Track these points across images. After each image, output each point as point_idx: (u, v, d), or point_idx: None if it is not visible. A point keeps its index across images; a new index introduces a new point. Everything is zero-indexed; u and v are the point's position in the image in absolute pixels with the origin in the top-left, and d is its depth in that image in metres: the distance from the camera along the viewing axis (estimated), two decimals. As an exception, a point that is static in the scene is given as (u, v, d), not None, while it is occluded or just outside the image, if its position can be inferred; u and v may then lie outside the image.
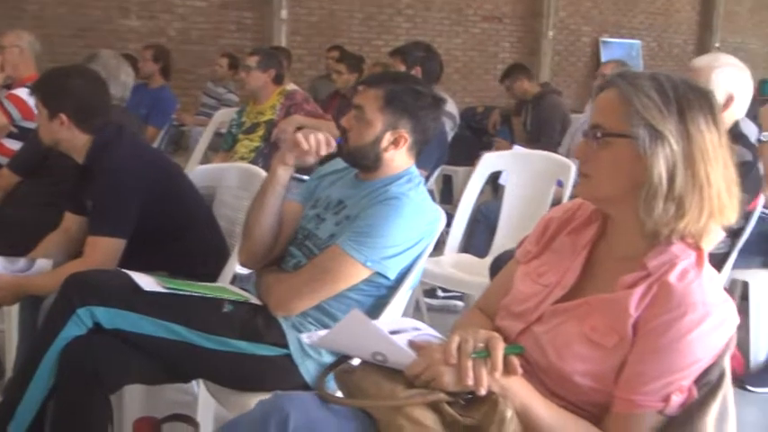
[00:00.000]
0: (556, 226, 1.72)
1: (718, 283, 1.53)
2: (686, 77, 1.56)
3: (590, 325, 1.52)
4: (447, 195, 6.03)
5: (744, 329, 3.94)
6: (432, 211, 2.34)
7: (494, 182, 4.58)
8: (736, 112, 3.08)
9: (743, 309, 3.94)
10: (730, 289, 4.35)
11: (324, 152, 2.35)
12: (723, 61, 3.12)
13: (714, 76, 3.04)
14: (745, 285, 3.92)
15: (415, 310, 3.85)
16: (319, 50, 8.95)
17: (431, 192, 5.65)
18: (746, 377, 3.71)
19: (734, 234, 3.07)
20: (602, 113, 1.53)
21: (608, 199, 1.56)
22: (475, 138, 6.27)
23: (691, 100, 1.48)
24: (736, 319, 1.50)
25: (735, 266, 3.58)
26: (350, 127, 2.34)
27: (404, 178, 2.34)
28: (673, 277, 1.47)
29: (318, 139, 2.34)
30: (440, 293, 4.40)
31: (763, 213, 3.88)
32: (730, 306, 1.50)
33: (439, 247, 3.83)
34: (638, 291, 1.48)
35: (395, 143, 2.32)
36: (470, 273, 3.49)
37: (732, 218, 1.53)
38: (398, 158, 2.35)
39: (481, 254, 3.82)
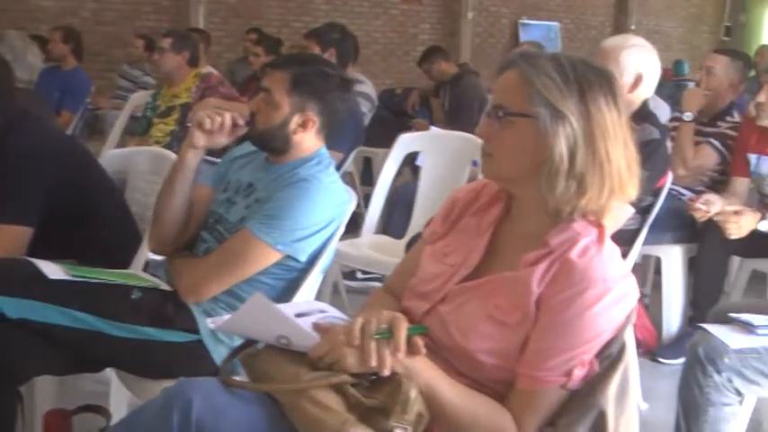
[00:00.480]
0: (461, 206, 1.72)
1: (619, 258, 1.55)
2: (586, 58, 1.58)
3: (493, 303, 1.53)
4: (367, 177, 6.02)
5: (657, 303, 4.05)
6: (342, 192, 2.33)
7: (413, 163, 4.59)
8: (645, 92, 3.13)
9: (657, 283, 4.05)
10: (645, 264, 4.47)
11: (228, 133, 2.32)
12: (632, 42, 3.17)
13: (623, 56, 3.08)
14: (659, 260, 4.02)
15: (334, 293, 3.84)
16: (237, 32, 8.82)
17: (350, 174, 5.66)
18: (659, 350, 3.81)
19: (644, 211, 3.13)
20: (503, 93, 1.54)
21: (511, 178, 1.57)
22: (394, 119, 6.27)
23: (591, 80, 1.50)
24: (636, 294, 1.52)
25: (647, 242, 3.66)
26: (258, 110, 2.31)
27: (314, 161, 2.32)
28: (574, 254, 1.49)
29: (224, 119, 2.30)
30: (359, 275, 4.40)
31: (674, 190, 3.99)
32: (631, 281, 1.52)
33: (358, 229, 3.85)
34: (541, 268, 1.50)
35: (303, 126, 2.30)
36: (387, 254, 3.49)
37: (633, 195, 1.56)
38: (308, 141, 2.33)
39: (399, 235, 3.82)
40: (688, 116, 4.03)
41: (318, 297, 3.53)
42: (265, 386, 1.53)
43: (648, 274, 4.52)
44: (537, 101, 1.47)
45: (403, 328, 1.43)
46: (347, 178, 5.64)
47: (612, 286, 1.47)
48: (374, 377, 1.45)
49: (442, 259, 1.66)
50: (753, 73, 7.77)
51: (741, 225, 3.40)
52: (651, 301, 4.39)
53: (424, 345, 1.48)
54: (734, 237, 3.41)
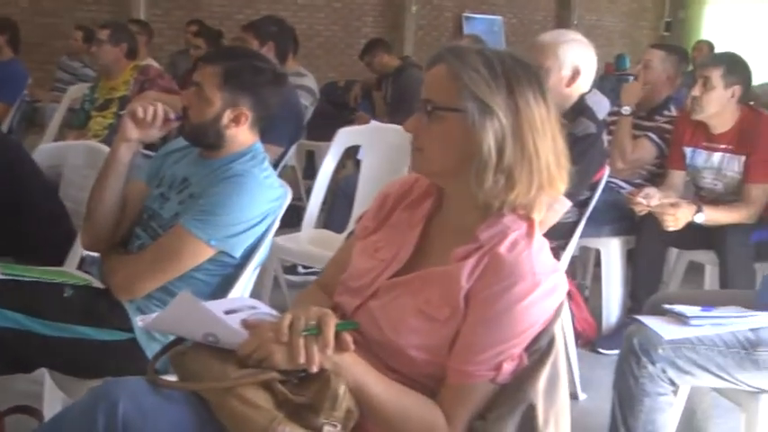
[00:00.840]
0: (393, 201, 1.72)
1: (549, 252, 1.56)
2: (514, 53, 1.57)
3: (424, 298, 1.52)
4: (310, 171, 6.00)
5: (596, 295, 4.10)
6: (276, 188, 2.31)
7: (356, 156, 4.58)
8: (583, 86, 3.16)
9: (597, 275, 4.10)
10: (585, 256, 4.53)
11: (161, 126, 2.30)
12: (569, 37, 3.19)
13: (560, 50, 3.10)
14: (598, 252, 4.06)
15: (274, 287, 3.81)
16: (179, 24, 8.69)
17: (292, 168, 5.63)
18: (598, 340, 3.86)
19: (581, 204, 3.15)
20: (432, 88, 1.54)
21: (440, 172, 1.57)
22: (337, 112, 6.25)
23: (519, 74, 1.50)
24: (565, 287, 1.53)
25: (587, 235, 3.70)
26: (190, 105, 2.29)
27: (247, 155, 2.30)
28: (503, 248, 1.49)
29: (157, 111, 2.27)
30: (300, 270, 4.38)
31: (612, 183, 4.04)
32: (560, 274, 1.53)
33: (300, 223, 3.83)
34: (470, 262, 1.50)
35: (235, 120, 2.28)
36: (327, 248, 3.47)
37: (562, 189, 1.57)
38: (241, 136, 2.31)
39: (340, 229, 3.82)
40: (626, 110, 4.08)
41: (259, 292, 3.53)
42: (192, 385, 1.51)
43: (588, 266, 4.58)
44: (465, 95, 1.47)
45: (331, 325, 1.42)
46: (289, 172, 5.62)
47: (542, 280, 1.47)
48: (303, 374, 1.44)
49: (374, 254, 1.66)
50: (690, 68, 7.93)
51: (678, 217, 3.47)
52: (591, 293, 4.45)
53: (355, 340, 1.47)
54: (671, 229, 3.48)
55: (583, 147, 3.00)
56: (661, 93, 4.25)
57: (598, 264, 4.15)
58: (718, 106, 3.69)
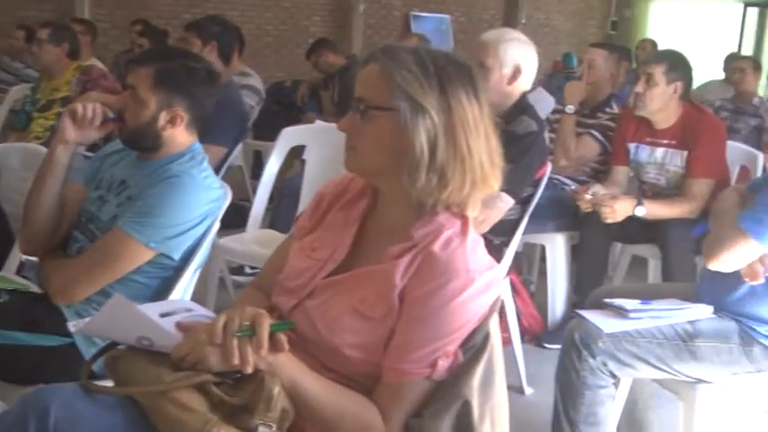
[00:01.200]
0: (329, 200, 1.72)
1: (483, 249, 1.57)
2: (448, 52, 1.59)
3: (359, 297, 1.53)
4: (258, 171, 5.95)
5: (542, 290, 4.15)
6: (215, 188, 2.30)
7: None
8: (524, 84, 3.19)
9: (542, 271, 4.14)
10: (530, 252, 4.57)
11: (99, 127, 2.27)
12: (511, 36, 3.22)
13: (502, 49, 3.13)
14: (544, 248, 4.10)
15: (221, 288, 3.79)
16: (124, 24, 8.60)
17: (239, 168, 5.60)
18: (544, 335, 3.90)
19: (524, 201, 3.18)
20: (365, 87, 1.53)
21: (374, 171, 1.57)
22: (284, 112, 6.21)
23: (451, 74, 1.50)
24: (500, 284, 1.55)
25: (531, 231, 3.73)
26: (125, 108, 2.26)
27: (186, 156, 2.29)
28: (437, 246, 1.49)
29: (96, 110, 2.25)
30: (247, 270, 4.35)
31: (556, 180, 4.09)
32: (495, 271, 1.54)
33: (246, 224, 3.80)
34: (404, 261, 1.50)
35: (171, 122, 2.26)
36: (273, 248, 3.43)
37: (495, 186, 1.57)
38: (179, 137, 2.29)
39: (286, 229, 3.79)
40: (570, 109, 4.13)
41: (204, 293, 3.50)
42: (125, 389, 1.49)
43: (534, 262, 4.62)
44: (397, 95, 1.47)
45: (265, 325, 1.41)
46: (236, 172, 5.58)
47: (476, 277, 1.48)
48: (238, 375, 1.43)
49: (310, 254, 1.65)
50: (634, 65, 8.05)
51: (616, 209, 3.54)
52: (537, 289, 4.49)
53: (290, 340, 1.47)
54: (609, 221, 3.54)
55: (524, 144, 3.03)
56: (603, 91, 4.30)
57: (544, 259, 4.20)
58: (661, 102, 3.75)
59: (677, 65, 3.79)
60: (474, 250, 1.52)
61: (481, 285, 1.49)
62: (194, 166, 2.26)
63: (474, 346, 1.50)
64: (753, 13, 15.37)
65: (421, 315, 1.47)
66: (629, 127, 3.96)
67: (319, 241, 1.67)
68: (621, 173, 4.02)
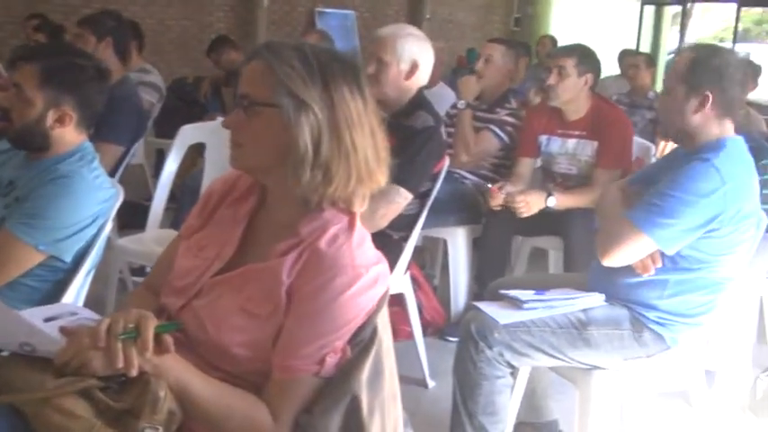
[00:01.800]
0: (217, 198, 1.70)
1: (370, 244, 1.58)
2: (331, 48, 1.59)
3: (246, 295, 1.52)
4: (161, 170, 5.84)
5: (446, 284, 4.19)
6: (106, 188, 2.25)
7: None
8: (421, 79, 3.21)
9: (445, 264, 4.19)
10: (433, 246, 4.61)
11: None
12: (407, 31, 3.24)
13: (399, 44, 3.15)
14: (446, 242, 4.15)
15: (122, 289, 3.72)
16: (21, 18, 8.32)
17: (140, 167, 5.49)
18: (447, 328, 3.94)
19: (423, 196, 3.21)
20: (248, 83, 1.53)
21: (258, 168, 1.57)
22: (187, 109, 6.11)
23: (335, 70, 1.50)
24: (387, 278, 1.55)
25: (432, 225, 3.78)
26: (11, 107, 2.19)
27: (75, 156, 2.24)
28: (323, 242, 1.50)
29: None
30: (149, 270, 4.26)
31: (456, 174, 4.14)
32: (382, 266, 1.55)
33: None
34: (291, 257, 1.50)
35: (60, 121, 2.21)
36: (173, 248, 3.41)
37: (382, 182, 1.58)
38: (68, 136, 2.24)
39: (187, 228, 3.74)
40: (462, 104, 4.19)
41: (103, 294, 3.43)
42: (7, 397, 1.44)
43: (437, 255, 4.67)
44: (280, 91, 1.46)
45: (150, 327, 1.39)
46: (138, 171, 5.47)
47: (362, 273, 1.49)
48: (123, 379, 1.40)
49: (198, 253, 1.64)
50: (535, 61, 8.21)
51: (529, 202, 3.63)
52: (440, 282, 4.54)
53: (178, 341, 1.46)
54: (525, 215, 3.64)
55: (422, 139, 3.06)
56: (502, 86, 4.36)
57: (447, 253, 4.25)
58: (572, 93, 3.88)
59: (587, 58, 3.93)
60: (361, 246, 1.53)
61: (368, 280, 1.50)
62: (84, 166, 2.21)
63: (362, 342, 1.50)
64: (649, 10, 15.88)
65: (308, 311, 1.47)
66: (540, 120, 4.07)
67: (207, 240, 1.65)
68: (526, 165, 4.12)
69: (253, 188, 1.65)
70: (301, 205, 1.54)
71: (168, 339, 1.42)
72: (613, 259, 2.46)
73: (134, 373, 1.38)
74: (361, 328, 1.50)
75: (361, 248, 1.53)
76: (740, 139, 2.54)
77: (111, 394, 1.39)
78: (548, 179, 4.10)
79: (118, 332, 1.38)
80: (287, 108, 1.46)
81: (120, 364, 1.37)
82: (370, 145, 1.53)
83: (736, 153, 2.49)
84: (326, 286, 1.46)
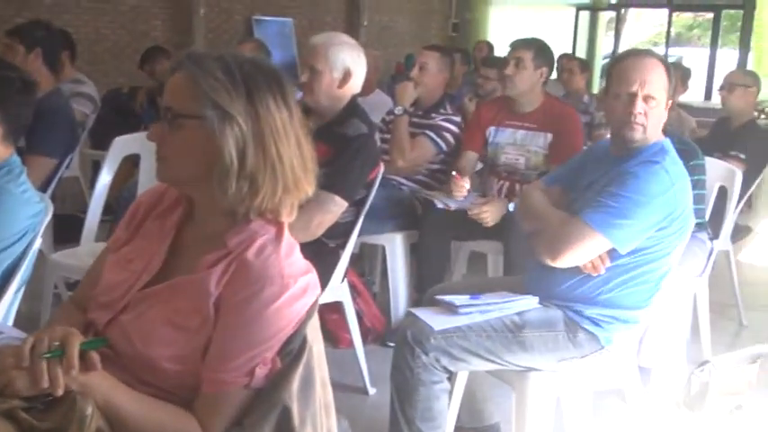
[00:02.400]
0: (144, 210, 1.69)
1: (299, 254, 1.58)
2: (254, 58, 1.58)
3: (174, 308, 1.51)
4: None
5: (385, 290, 4.21)
6: (35, 202, 2.21)
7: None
8: (354, 87, 3.22)
9: (385, 270, 4.20)
10: (372, 253, 4.63)
11: None
12: (340, 39, 3.25)
13: (330, 53, 3.16)
14: (384, 249, 4.16)
15: (56, 304, 3.64)
16: (-49, 29, 8.13)
17: (76, 179, 5.40)
18: (387, 335, 3.95)
19: (358, 203, 3.21)
20: (172, 95, 1.52)
21: (185, 180, 1.56)
22: (123, 120, 6.03)
23: (258, 80, 1.50)
24: (317, 288, 1.55)
25: (370, 232, 3.80)
26: None
27: (2, 170, 2.20)
28: (251, 253, 1.49)
29: None
30: (85, 285, 4.20)
31: (394, 181, 4.16)
32: (311, 276, 1.55)
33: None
34: (219, 269, 1.49)
35: None
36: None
37: (309, 191, 1.58)
38: None
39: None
40: (399, 110, 4.21)
41: (38, 310, 3.37)
42: (-72, 420, 1.42)
43: (376, 262, 4.68)
44: (204, 102, 1.46)
45: (75, 344, 1.37)
46: (73, 184, 5.38)
47: (290, 283, 1.49)
48: (49, 398, 1.38)
49: (126, 266, 1.62)
50: (472, 67, 8.28)
51: (492, 211, 3.70)
52: (380, 289, 4.55)
53: (105, 357, 1.44)
54: (491, 224, 3.71)
55: (355, 147, 3.07)
56: (437, 92, 4.39)
57: (386, 259, 4.26)
58: (528, 85, 4.01)
59: (543, 53, 4.07)
60: (289, 256, 1.53)
61: (297, 291, 1.50)
62: (11, 181, 2.17)
63: (291, 352, 1.50)
64: (584, 16, 16.17)
65: (236, 323, 1.46)
66: (490, 112, 4.19)
67: (135, 253, 1.64)
68: (470, 158, 4.22)
69: (180, 200, 1.64)
70: (228, 217, 1.54)
71: (94, 356, 1.40)
72: (566, 260, 2.49)
73: (59, 392, 1.36)
74: (290, 339, 1.50)
75: (290, 259, 1.53)
76: (669, 142, 2.62)
77: (36, 414, 1.37)
78: (492, 174, 4.17)
79: (42, 351, 1.36)
80: (211, 120, 1.46)
81: (45, 384, 1.35)
82: (296, 155, 1.53)
83: (675, 155, 2.57)
84: (254, 297, 1.46)
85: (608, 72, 2.67)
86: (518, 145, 4.05)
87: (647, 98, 2.50)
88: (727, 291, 4.53)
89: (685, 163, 3.45)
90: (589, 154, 2.88)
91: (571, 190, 2.73)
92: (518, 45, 4.14)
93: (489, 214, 3.74)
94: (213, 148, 1.46)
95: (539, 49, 4.06)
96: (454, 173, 3.88)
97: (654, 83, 2.51)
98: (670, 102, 2.59)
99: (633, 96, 2.50)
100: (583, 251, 2.47)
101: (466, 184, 3.81)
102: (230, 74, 1.48)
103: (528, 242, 2.70)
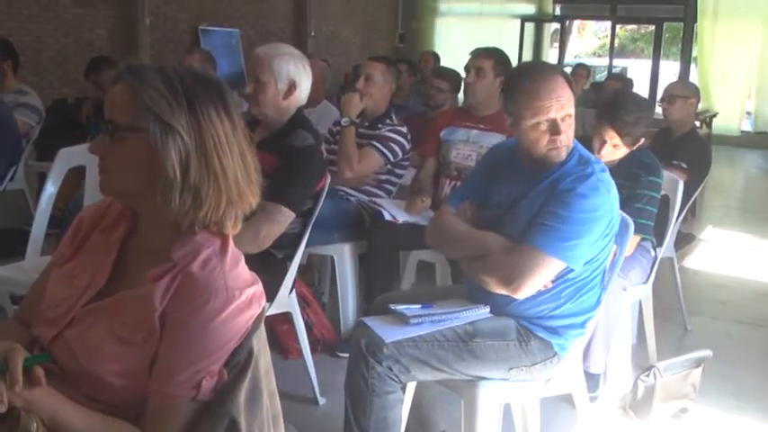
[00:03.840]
0: (88, 225, 1.67)
1: (244, 266, 1.57)
2: (195, 69, 1.58)
3: (119, 322, 1.49)
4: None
5: (335, 300, 4.21)
6: None
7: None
8: (300, 98, 3.23)
9: (335, 281, 4.20)
10: (322, 264, 4.62)
11: None
12: (284, 50, 3.25)
13: (276, 64, 3.16)
14: (333, 259, 4.16)
15: (3, 320, 3.58)
16: None
17: (21, 191, 5.31)
18: (337, 345, 3.95)
19: (305, 214, 3.21)
20: (113, 108, 1.50)
21: (128, 193, 1.55)
22: (68, 131, 5.94)
23: (199, 92, 1.50)
24: (262, 300, 1.55)
25: (319, 243, 3.80)
26: None
27: None
28: (195, 266, 1.49)
29: None
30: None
31: (341, 191, 4.17)
32: (256, 288, 1.55)
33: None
34: (164, 283, 1.48)
35: None
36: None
37: (253, 203, 1.58)
38: None
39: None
40: (345, 121, 4.21)
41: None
42: None
43: (325, 273, 4.67)
44: (145, 115, 1.45)
45: (19, 360, 1.35)
46: (18, 196, 5.29)
47: (235, 295, 1.48)
48: None
49: (70, 281, 1.60)
50: (419, 77, 8.32)
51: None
52: (330, 299, 4.54)
53: (51, 372, 1.42)
54: None
55: (302, 158, 3.07)
56: (383, 103, 4.40)
57: (335, 270, 4.26)
58: (487, 93, 4.15)
59: (503, 62, 4.20)
60: (234, 268, 1.53)
61: (242, 303, 1.49)
62: None
63: (238, 364, 1.49)
64: (530, 27, 16.38)
65: (182, 336, 1.45)
66: (445, 119, 4.35)
67: (79, 267, 1.62)
68: (431, 165, 4.34)
69: (124, 214, 1.63)
70: (173, 230, 1.53)
71: (39, 372, 1.37)
72: (527, 290, 2.48)
73: (3, 409, 1.33)
74: (236, 351, 1.49)
75: (235, 271, 1.52)
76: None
77: (-22, 431, 1.35)
78: (443, 175, 4.22)
79: None
80: (153, 133, 1.44)
81: None
82: (239, 167, 1.53)
83: (587, 154, 2.61)
84: (200, 310, 1.45)
85: (514, 96, 2.57)
86: (471, 143, 4.16)
87: (564, 118, 2.51)
88: (671, 297, 4.61)
89: (643, 175, 3.55)
90: (493, 164, 2.81)
91: (484, 204, 2.72)
92: (479, 54, 4.22)
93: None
94: (155, 160, 1.45)
95: (499, 58, 4.18)
96: (357, 196, 4.02)
97: (566, 99, 2.51)
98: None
99: (554, 122, 2.50)
100: (541, 278, 2.47)
101: (426, 206, 3.88)
102: (171, 86, 1.47)
103: (465, 269, 2.67)
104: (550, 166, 2.56)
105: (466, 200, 2.77)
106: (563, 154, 2.54)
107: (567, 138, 2.53)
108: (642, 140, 2.86)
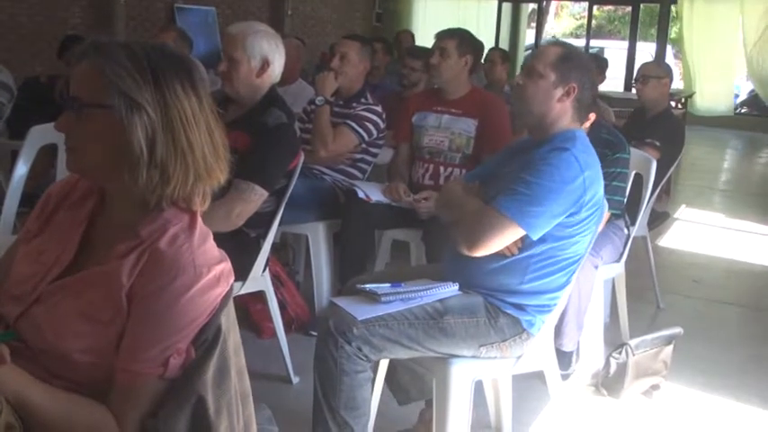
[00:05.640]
0: (55, 201, 1.66)
1: (212, 243, 1.57)
2: (161, 45, 1.56)
3: (86, 300, 1.49)
4: (14, 173, 5.60)
5: (310, 279, 4.22)
6: None
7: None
8: (273, 76, 3.22)
9: (309, 260, 4.21)
10: (296, 243, 4.62)
11: None
12: (257, 28, 3.24)
13: (248, 42, 3.15)
14: (308, 238, 4.16)
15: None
16: None
17: (-6, 175, 5.26)
18: (311, 324, 3.96)
19: (279, 192, 3.20)
20: (78, 85, 1.49)
21: (95, 170, 1.53)
22: (41, 109, 5.87)
23: (165, 68, 1.48)
24: (231, 277, 1.55)
25: (292, 221, 3.80)
26: None
27: None
28: (163, 243, 1.48)
29: None
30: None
31: (316, 170, 4.16)
32: (224, 265, 1.54)
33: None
34: (131, 259, 1.48)
35: None
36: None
37: (222, 179, 1.57)
38: None
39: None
40: (320, 100, 4.20)
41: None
42: None
43: (300, 252, 4.67)
44: (111, 91, 1.44)
45: None
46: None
47: (203, 272, 1.48)
48: None
49: (37, 258, 1.59)
50: (395, 57, 8.30)
51: (429, 205, 3.80)
52: (304, 278, 4.55)
53: (17, 351, 1.41)
54: (425, 216, 3.83)
55: (275, 136, 3.06)
56: (358, 82, 4.39)
57: (309, 249, 4.26)
58: (453, 73, 4.14)
59: (467, 40, 4.19)
60: (202, 245, 1.52)
61: (210, 280, 1.49)
62: None
63: (206, 342, 1.49)
64: (507, 8, 16.37)
65: (149, 314, 1.45)
66: (415, 102, 4.34)
67: (46, 244, 1.60)
68: (405, 150, 4.34)
69: (92, 190, 1.62)
70: (140, 206, 1.52)
71: (4, 350, 1.36)
72: (483, 250, 2.53)
73: None
74: (204, 328, 1.49)
75: (203, 248, 1.52)
76: (583, 132, 2.68)
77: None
78: (417, 159, 4.24)
79: None
80: (119, 109, 1.44)
81: None
82: (207, 142, 1.52)
83: (586, 143, 2.64)
84: (167, 287, 1.45)
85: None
86: (442, 128, 4.15)
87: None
88: (644, 275, 4.66)
89: (610, 154, 3.57)
90: (509, 149, 2.94)
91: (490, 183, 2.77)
92: (442, 35, 4.23)
93: (425, 209, 3.81)
94: (122, 137, 1.44)
95: (462, 38, 4.16)
96: (331, 175, 4.10)
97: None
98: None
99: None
100: (498, 240, 2.52)
101: (404, 194, 3.92)
102: (137, 62, 1.46)
103: (448, 232, 2.73)
104: (544, 138, 2.64)
105: (475, 179, 2.83)
106: None
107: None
108: (593, 116, 2.87)
